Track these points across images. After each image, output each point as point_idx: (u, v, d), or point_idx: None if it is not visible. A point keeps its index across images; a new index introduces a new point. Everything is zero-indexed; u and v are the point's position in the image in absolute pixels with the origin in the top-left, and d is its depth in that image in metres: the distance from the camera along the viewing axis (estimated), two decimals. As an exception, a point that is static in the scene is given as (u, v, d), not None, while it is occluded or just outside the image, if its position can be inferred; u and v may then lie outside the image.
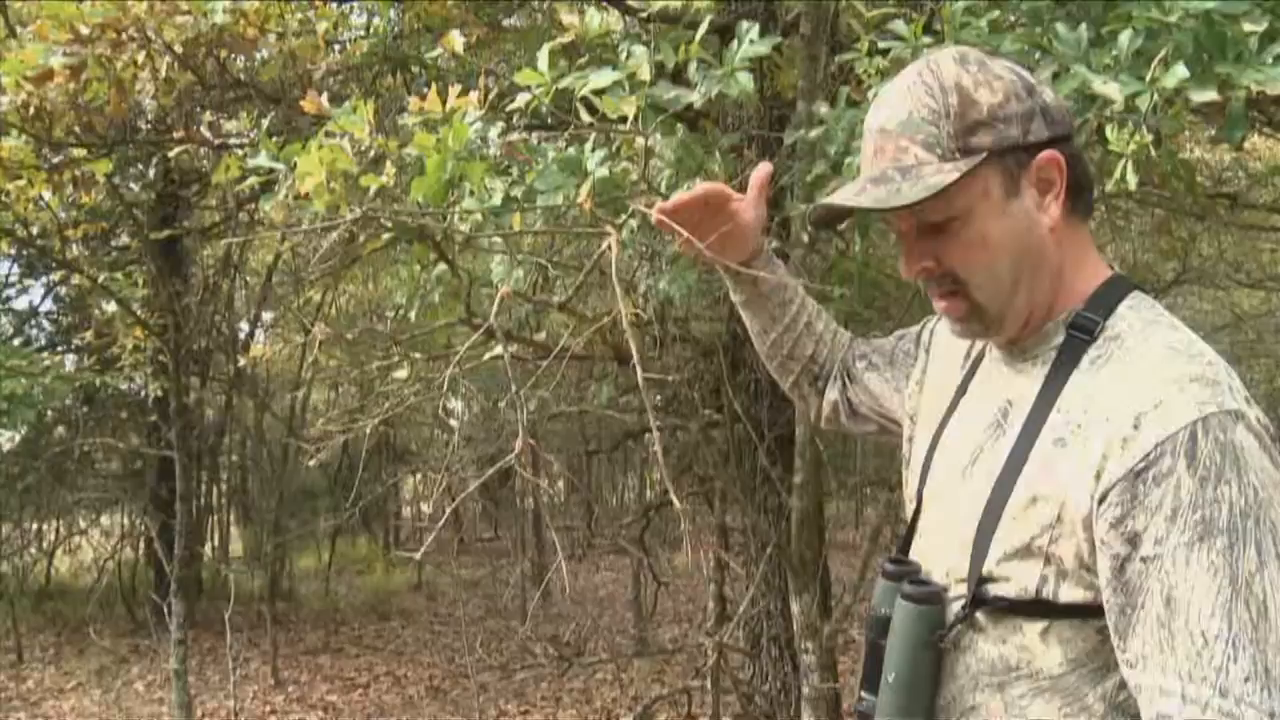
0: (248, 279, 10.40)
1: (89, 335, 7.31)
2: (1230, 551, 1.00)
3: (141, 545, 10.78)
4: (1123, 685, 1.09)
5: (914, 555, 1.31)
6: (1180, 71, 1.80)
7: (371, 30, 4.65)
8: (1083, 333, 1.16)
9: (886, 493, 4.69)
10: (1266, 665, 0.97)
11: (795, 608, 3.61)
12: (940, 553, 1.25)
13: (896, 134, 1.17)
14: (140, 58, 3.43)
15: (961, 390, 1.33)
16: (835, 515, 12.86)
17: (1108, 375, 1.11)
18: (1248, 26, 1.83)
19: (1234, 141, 1.87)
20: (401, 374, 3.61)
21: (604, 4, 4.45)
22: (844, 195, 1.21)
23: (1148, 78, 1.83)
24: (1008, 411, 1.21)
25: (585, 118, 2.10)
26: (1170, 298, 7.17)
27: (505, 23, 5.28)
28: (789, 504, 3.72)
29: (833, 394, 1.60)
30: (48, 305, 10.44)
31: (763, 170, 1.49)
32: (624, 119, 2.01)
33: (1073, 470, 1.09)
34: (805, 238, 2.78)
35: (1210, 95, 1.82)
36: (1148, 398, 1.05)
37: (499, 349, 2.00)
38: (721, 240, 1.48)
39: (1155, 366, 1.08)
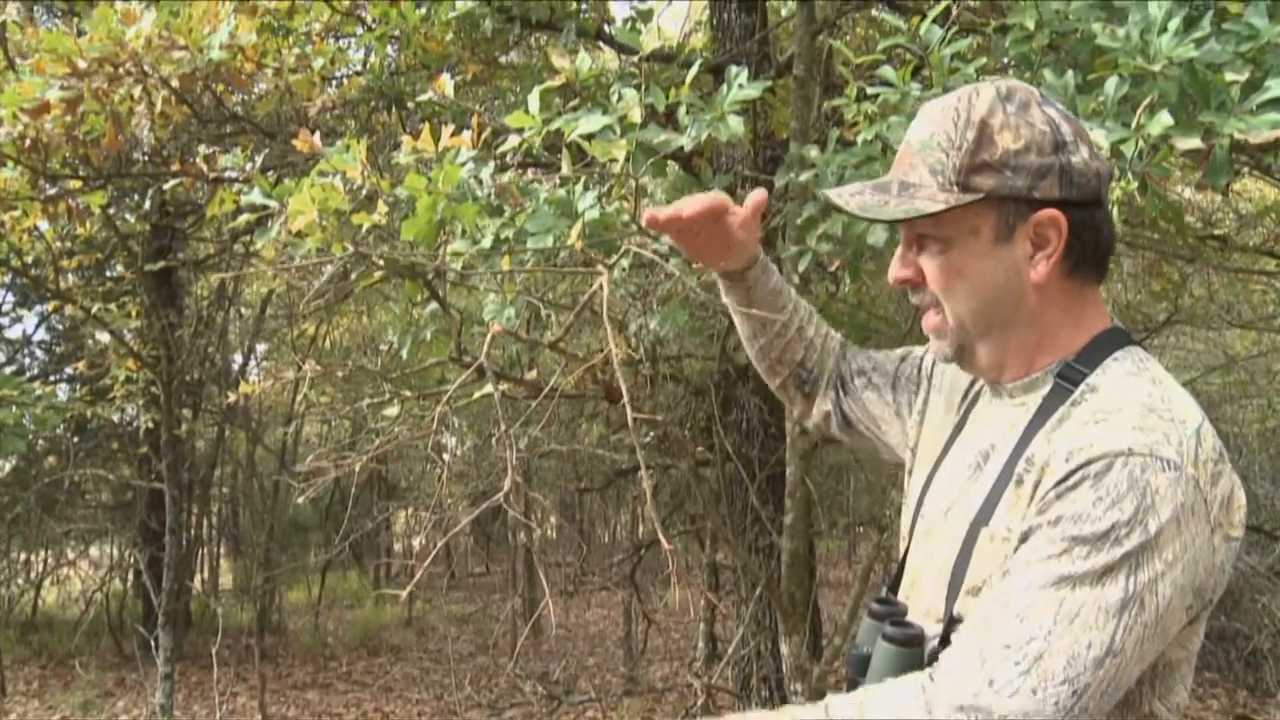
0: (242, 311, 10.40)
1: (82, 365, 7.30)
2: (1084, 561, 1.02)
3: (130, 577, 10.71)
4: None
5: (901, 594, 1.32)
6: (1165, 119, 1.82)
7: (368, 66, 4.68)
8: (1069, 383, 1.17)
9: (877, 533, 4.68)
10: (1033, 685, 1.00)
11: (785, 648, 3.59)
12: (922, 592, 1.26)
13: (915, 150, 1.20)
14: (136, 92, 3.45)
15: (957, 429, 1.34)
16: (826, 554, 12.82)
17: (1072, 421, 1.12)
18: (1230, 76, 1.86)
19: (1218, 188, 1.89)
20: (392, 411, 3.60)
21: (598, 44, 4.49)
22: (843, 193, 1.25)
23: (1133, 124, 1.85)
24: (988, 455, 1.23)
25: (571, 165, 2.12)
26: (1162, 339, 7.19)
27: (502, 59, 5.32)
28: (779, 544, 3.71)
29: (825, 404, 1.59)
30: (41, 335, 10.45)
31: (759, 194, 1.49)
32: (614, 161, 2.02)
33: (1021, 507, 1.11)
34: (796, 279, 2.79)
35: (1194, 143, 1.84)
36: (1091, 438, 1.07)
37: (489, 387, 2.00)
38: (717, 249, 1.49)
39: (1115, 415, 1.09)
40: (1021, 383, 1.22)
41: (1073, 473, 1.05)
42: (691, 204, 1.44)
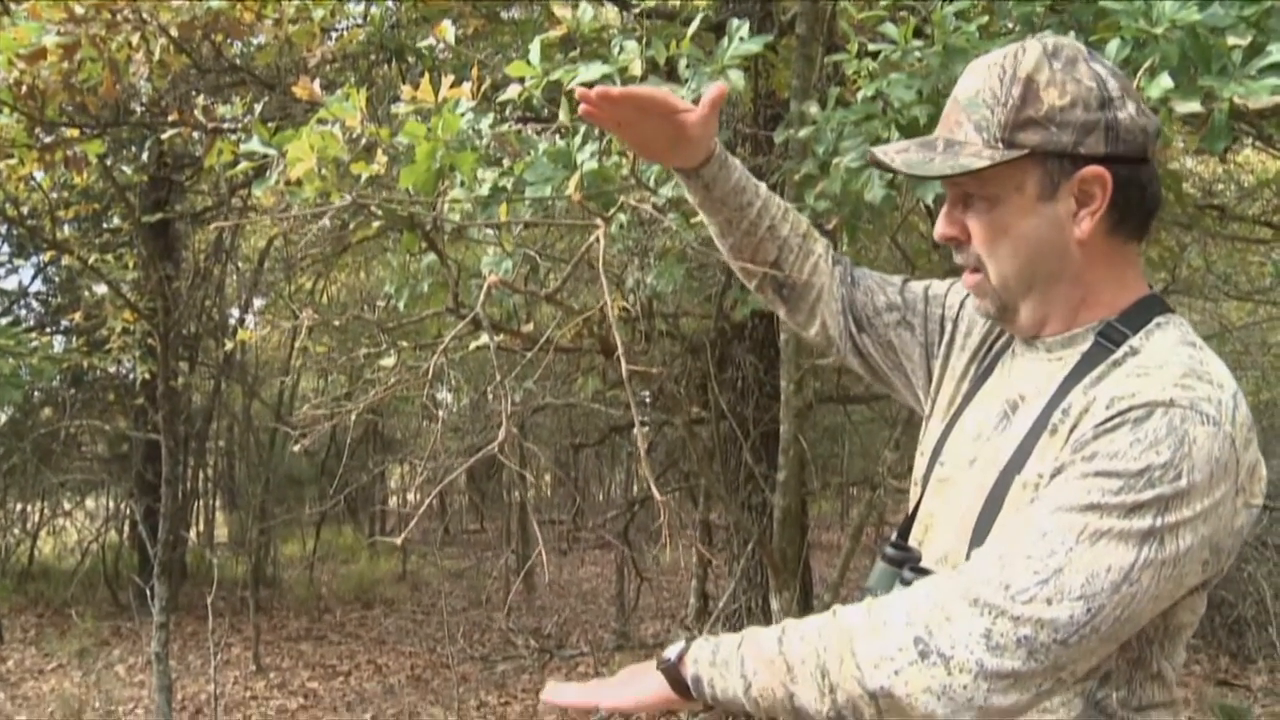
0: (239, 264, 10.37)
1: (78, 317, 7.28)
2: (1114, 496, 1.02)
3: (126, 528, 10.76)
4: (1103, 683, 1.12)
5: (912, 541, 1.32)
6: (1165, 82, 1.82)
7: (368, 19, 4.65)
8: (1110, 343, 1.17)
9: (870, 492, 4.71)
10: (1049, 595, 1.01)
11: (775, 605, 3.63)
12: (940, 539, 1.27)
13: (961, 106, 1.20)
14: (135, 39, 3.43)
15: (980, 379, 1.34)
16: (819, 516, 12.88)
17: (1113, 378, 1.13)
18: (1232, 40, 1.85)
19: (1215, 152, 1.89)
20: (388, 362, 3.61)
21: (600, 0, 4.46)
22: (888, 150, 1.25)
23: (1133, 87, 1.85)
24: (1017, 405, 1.23)
25: (570, 114, 2.11)
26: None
27: (503, 15, 5.28)
28: (772, 501, 3.74)
29: (833, 328, 1.53)
30: (37, 286, 10.42)
31: (717, 87, 1.43)
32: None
33: (1054, 450, 1.11)
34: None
35: (1194, 106, 1.84)
36: (1134, 388, 1.08)
37: (485, 338, 2.01)
38: (668, 145, 1.44)
39: (1157, 371, 1.09)
40: (1060, 337, 1.22)
41: (1113, 417, 1.06)
42: (624, 89, 1.40)
